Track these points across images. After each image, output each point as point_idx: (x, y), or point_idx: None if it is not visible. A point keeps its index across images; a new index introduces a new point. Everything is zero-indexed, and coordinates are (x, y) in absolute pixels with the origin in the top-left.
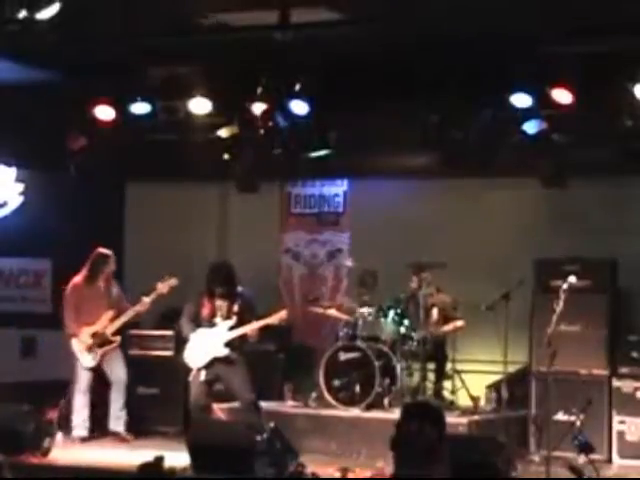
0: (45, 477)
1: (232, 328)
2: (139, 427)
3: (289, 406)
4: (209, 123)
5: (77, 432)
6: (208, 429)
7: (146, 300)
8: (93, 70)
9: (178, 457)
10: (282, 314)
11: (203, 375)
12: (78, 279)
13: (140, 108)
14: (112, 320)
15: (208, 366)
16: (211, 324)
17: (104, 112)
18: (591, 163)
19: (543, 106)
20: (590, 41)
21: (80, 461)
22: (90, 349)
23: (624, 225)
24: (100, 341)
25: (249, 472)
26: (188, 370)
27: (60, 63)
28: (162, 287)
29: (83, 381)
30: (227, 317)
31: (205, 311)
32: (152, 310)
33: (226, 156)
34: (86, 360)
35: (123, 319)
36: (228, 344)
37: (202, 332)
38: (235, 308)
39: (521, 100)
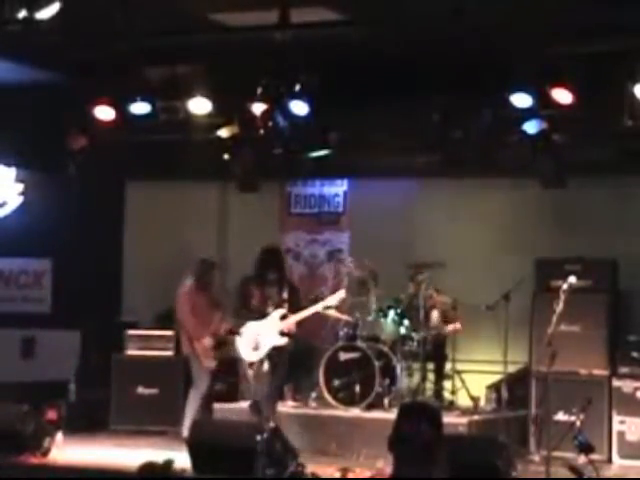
0: (45, 477)
1: (284, 317)
2: (139, 427)
3: (289, 406)
4: (209, 123)
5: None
6: (208, 429)
7: None
8: (93, 70)
9: (178, 457)
10: (341, 293)
11: (266, 366)
12: (187, 287)
13: (140, 108)
14: (221, 320)
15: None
16: (262, 314)
17: (104, 112)
18: (591, 163)
19: (543, 106)
20: (590, 41)
21: (80, 461)
22: (213, 351)
23: (624, 225)
24: (217, 342)
25: (249, 472)
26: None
27: (60, 63)
28: None
29: (204, 384)
30: (278, 305)
31: (255, 300)
32: (152, 310)
33: (226, 156)
34: (210, 362)
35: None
36: (283, 332)
37: (253, 324)
38: (284, 295)
39: (521, 100)
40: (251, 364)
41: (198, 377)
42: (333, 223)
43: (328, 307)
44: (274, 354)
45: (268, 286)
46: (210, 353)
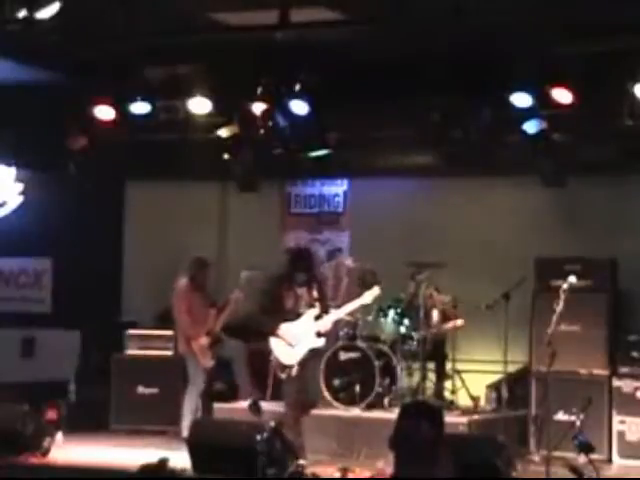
0: (45, 477)
1: (318, 317)
2: (139, 427)
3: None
4: (209, 123)
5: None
6: (208, 429)
7: (238, 292)
8: (93, 70)
9: (178, 457)
10: (375, 290)
11: (295, 370)
12: (183, 286)
13: (140, 108)
14: (216, 318)
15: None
16: (296, 314)
17: (104, 112)
18: (591, 163)
19: (543, 106)
20: (590, 41)
21: (80, 461)
22: (209, 349)
23: (624, 225)
24: (213, 340)
25: (249, 472)
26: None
27: (60, 63)
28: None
29: (201, 383)
30: (310, 305)
31: (290, 302)
32: (151, 310)
33: (226, 156)
34: (208, 361)
35: (223, 318)
36: (320, 333)
37: (288, 326)
38: (315, 294)
39: (521, 100)
40: (285, 367)
41: (195, 376)
42: (333, 223)
43: (364, 305)
44: (309, 356)
45: (299, 286)
46: (207, 352)
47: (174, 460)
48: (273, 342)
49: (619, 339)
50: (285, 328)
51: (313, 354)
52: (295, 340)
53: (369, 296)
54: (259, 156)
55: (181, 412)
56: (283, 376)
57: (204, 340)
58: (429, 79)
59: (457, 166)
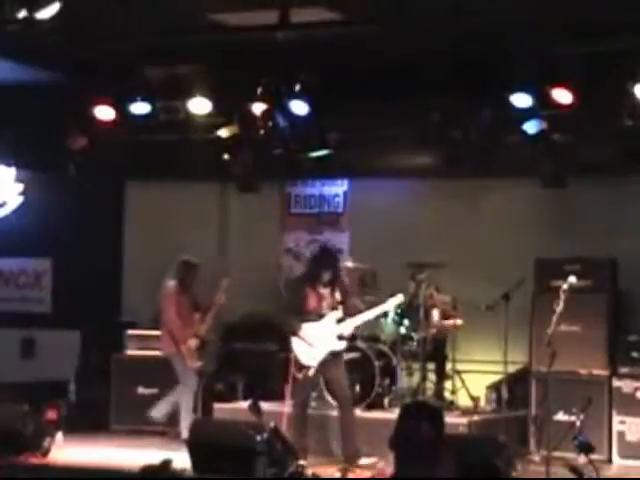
0: (45, 477)
1: (341, 320)
2: (139, 427)
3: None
4: (209, 123)
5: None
6: (208, 429)
7: (221, 296)
8: (93, 70)
9: (178, 457)
10: (399, 298)
11: (312, 371)
12: (172, 288)
13: (140, 108)
14: (201, 321)
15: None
16: (319, 316)
17: (104, 112)
18: (591, 163)
19: (543, 106)
20: (590, 41)
21: (80, 461)
22: (197, 351)
23: (624, 225)
24: (200, 342)
25: (249, 472)
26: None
27: (60, 63)
28: (222, 290)
29: (194, 382)
30: (333, 307)
31: (312, 302)
32: (151, 310)
33: (226, 156)
34: (194, 362)
35: (209, 320)
36: (341, 337)
37: (310, 326)
38: (337, 296)
39: (521, 100)
40: (302, 367)
41: (186, 377)
42: (333, 223)
43: (386, 312)
44: (329, 359)
45: (323, 287)
46: (194, 354)
47: (174, 460)
48: (294, 342)
49: (619, 339)
50: (307, 328)
51: (333, 357)
52: (316, 341)
53: (392, 303)
54: (259, 156)
55: (179, 414)
56: (299, 376)
57: (193, 342)
58: (429, 79)
59: (457, 166)
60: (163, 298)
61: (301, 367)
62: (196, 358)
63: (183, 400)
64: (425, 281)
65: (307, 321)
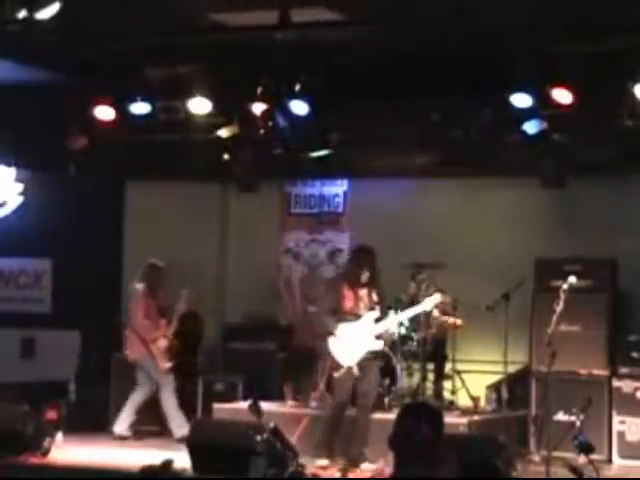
0: (45, 477)
1: (378, 319)
2: (138, 427)
3: (289, 406)
4: (209, 123)
5: (181, 432)
6: (208, 429)
7: (182, 305)
8: (93, 70)
9: (178, 457)
10: (436, 298)
11: (356, 371)
12: (140, 291)
13: (140, 108)
14: (167, 325)
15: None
16: (355, 316)
17: (104, 112)
18: (591, 163)
19: (543, 106)
20: (590, 41)
21: (80, 461)
22: (167, 352)
23: (624, 225)
24: (170, 344)
25: (249, 472)
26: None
27: (60, 63)
28: (183, 299)
29: (170, 381)
30: (370, 307)
31: (349, 303)
32: None
33: (226, 156)
34: (165, 363)
35: (174, 323)
36: (379, 337)
37: (346, 326)
38: (374, 297)
39: (521, 100)
40: (340, 366)
41: (161, 377)
42: (333, 223)
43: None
44: (368, 358)
45: (361, 287)
46: (165, 355)
47: (174, 460)
48: (332, 341)
49: (619, 339)
50: (344, 328)
51: (372, 356)
52: (354, 341)
53: (430, 302)
54: (259, 156)
55: (165, 415)
56: (336, 375)
57: (162, 342)
58: (429, 79)
59: (457, 166)
60: (131, 301)
61: (338, 367)
62: (166, 359)
63: (167, 400)
64: (425, 281)
65: (344, 321)
